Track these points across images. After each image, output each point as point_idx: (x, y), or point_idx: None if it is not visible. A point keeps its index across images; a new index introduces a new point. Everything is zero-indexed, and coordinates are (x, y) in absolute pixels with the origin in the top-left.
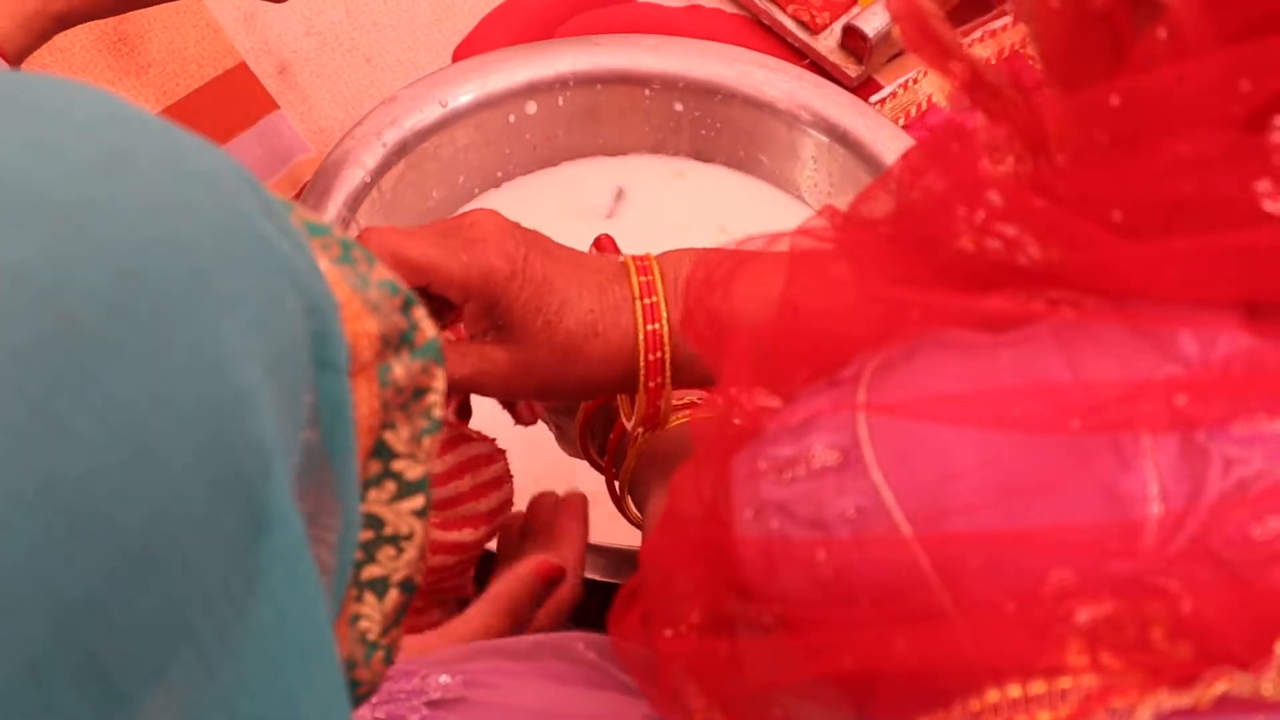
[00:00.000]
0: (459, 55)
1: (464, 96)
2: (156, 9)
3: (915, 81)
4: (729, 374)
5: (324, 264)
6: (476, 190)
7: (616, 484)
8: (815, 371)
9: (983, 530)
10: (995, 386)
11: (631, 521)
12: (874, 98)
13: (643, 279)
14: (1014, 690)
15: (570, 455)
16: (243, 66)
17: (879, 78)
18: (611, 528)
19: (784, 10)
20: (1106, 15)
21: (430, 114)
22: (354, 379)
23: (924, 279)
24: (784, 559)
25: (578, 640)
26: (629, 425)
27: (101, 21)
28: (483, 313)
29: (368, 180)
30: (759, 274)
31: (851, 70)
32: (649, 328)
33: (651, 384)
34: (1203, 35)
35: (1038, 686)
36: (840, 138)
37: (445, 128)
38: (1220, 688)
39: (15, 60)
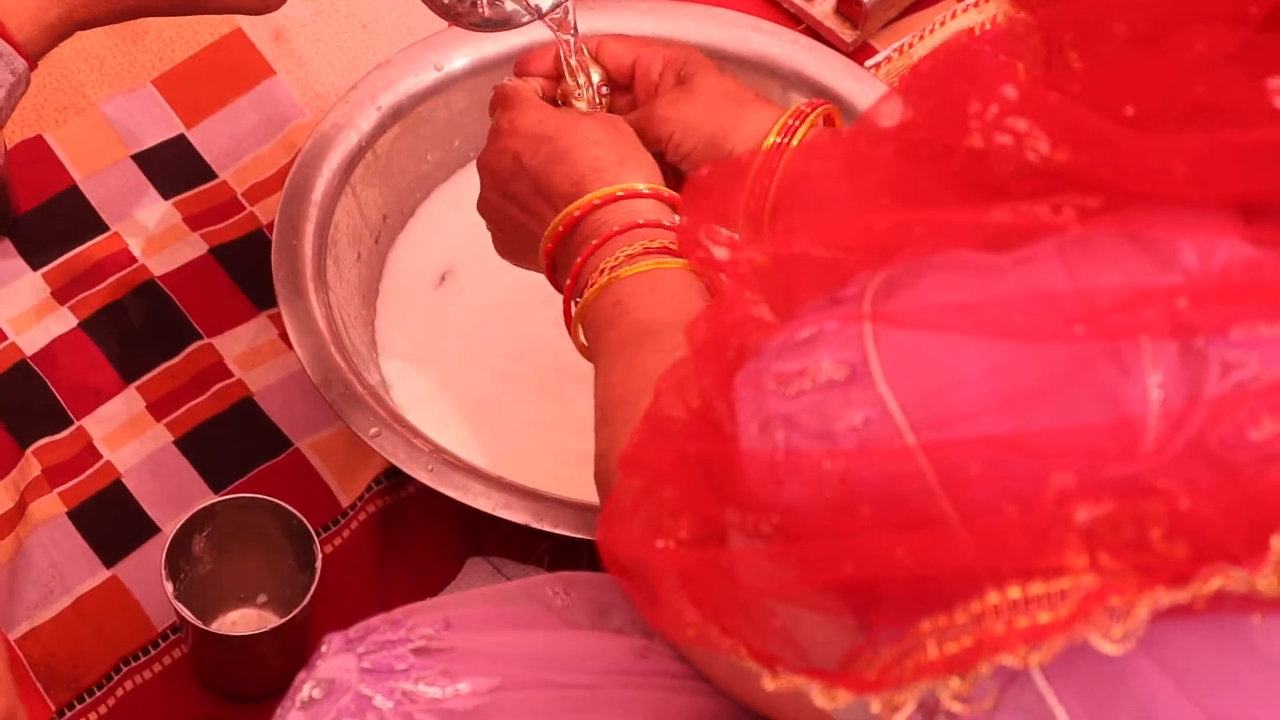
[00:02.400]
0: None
1: (459, 60)
2: None
3: (910, 46)
4: (727, 291)
5: None
6: (471, 154)
7: (574, 310)
8: (816, 287)
9: (984, 435)
10: (999, 296)
11: (579, 348)
12: (869, 62)
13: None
14: (1014, 592)
15: (509, 262)
16: (239, 33)
17: (874, 43)
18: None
19: None
20: None
21: (425, 78)
22: None
23: (928, 194)
24: (789, 470)
25: (546, 585)
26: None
27: None
28: None
29: (362, 144)
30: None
31: (847, 35)
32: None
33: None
34: None
35: (1037, 588)
36: (835, 101)
37: (440, 92)
38: (1216, 584)
39: (34, 61)
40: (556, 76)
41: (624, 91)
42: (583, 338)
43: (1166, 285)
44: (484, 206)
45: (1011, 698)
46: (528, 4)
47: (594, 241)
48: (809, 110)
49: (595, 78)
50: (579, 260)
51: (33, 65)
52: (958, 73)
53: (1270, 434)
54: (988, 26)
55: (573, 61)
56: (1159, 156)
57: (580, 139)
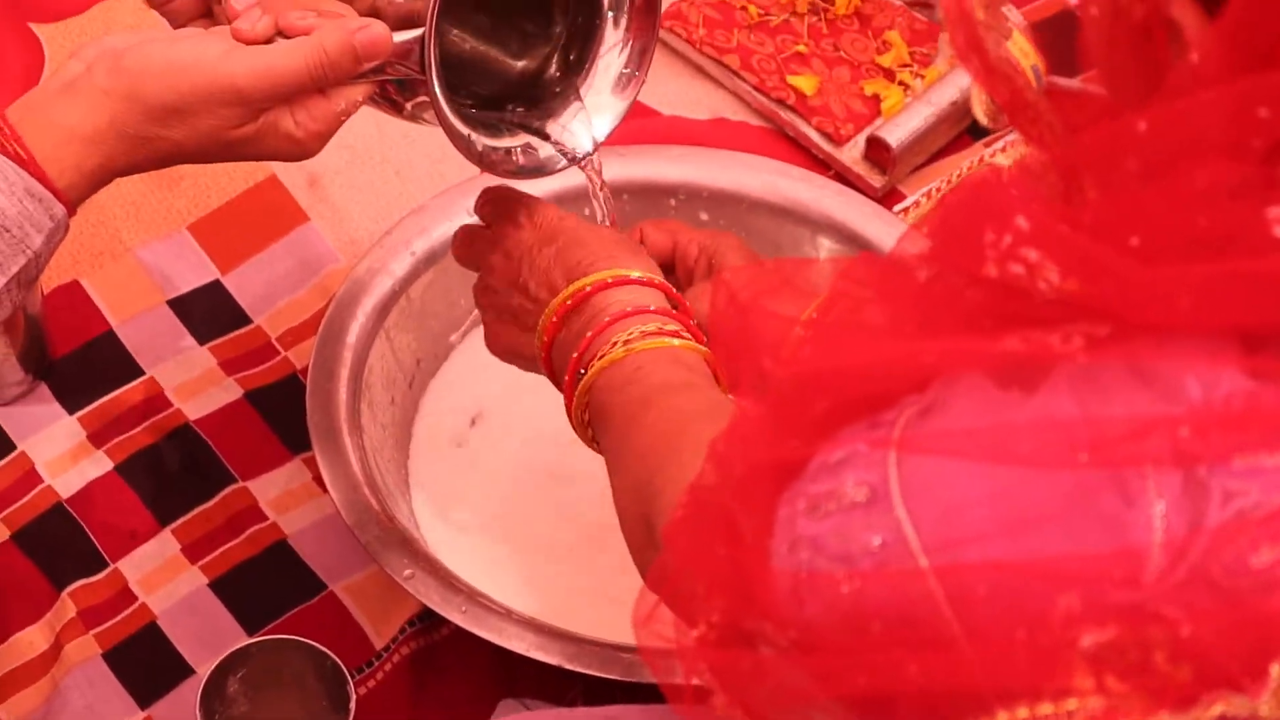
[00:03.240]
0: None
1: None
2: None
3: (938, 191)
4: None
5: None
6: None
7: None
8: (834, 408)
9: (992, 559)
10: (1007, 422)
11: (584, 439)
12: (897, 207)
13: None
14: (1022, 712)
15: (499, 357)
16: (273, 179)
17: (903, 188)
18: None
19: (808, 122)
20: (1147, 33)
21: (458, 223)
22: None
23: (947, 323)
24: (810, 589)
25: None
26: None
27: None
28: None
29: (396, 288)
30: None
31: (876, 181)
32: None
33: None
34: (1223, 65)
35: (1045, 708)
36: (864, 246)
37: None
38: (1218, 709)
39: (73, 207)
40: None
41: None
42: (585, 415)
43: (1170, 415)
44: (485, 295)
45: None
46: (565, 149)
47: (606, 319)
48: None
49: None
50: (590, 334)
51: (71, 211)
52: (977, 204)
53: (1270, 561)
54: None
55: (601, 215)
56: (1164, 287)
57: (596, 233)
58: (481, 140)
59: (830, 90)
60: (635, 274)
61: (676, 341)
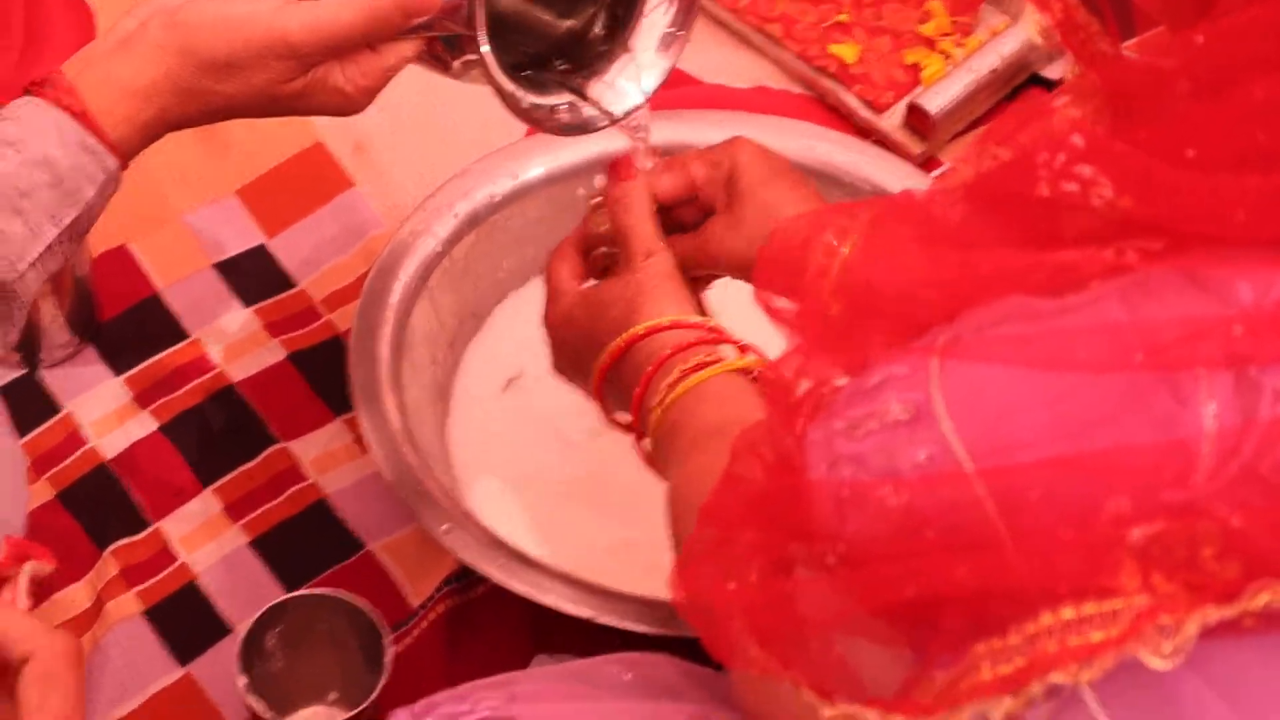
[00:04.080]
0: (531, 133)
1: (535, 170)
2: None
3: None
4: (799, 336)
5: None
6: (543, 263)
7: (646, 443)
8: (887, 338)
9: (1041, 460)
10: (1057, 328)
11: (657, 472)
12: (935, 173)
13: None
14: (1067, 612)
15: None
16: (320, 146)
17: (941, 156)
18: (647, 580)
19: (849, 90)
20: None
21: (502, 186)
22: None
23: (994, 240)
24: (854, 503)
25: (609, 664)
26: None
27: None
28: None
29: (439, 250)
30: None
31: (915, 148)
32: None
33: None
34: None
35: (1090, 608)
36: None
37: (516, 200)
38: (1264, 599)
39: (126, 159)
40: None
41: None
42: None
43: (1223, 317)
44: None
45: (1064, 717)
46: (605, 110)
47: (648, 369)
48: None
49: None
50: (638, 390)
51: (124, 165)
52: (1027, 126)
53: None
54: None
55: (648, 164)
56: (1220, 199)
57: (611, 301)
58: (528, 97)
59: (871, 59)
60: (667, 319)
61: (711, 373)
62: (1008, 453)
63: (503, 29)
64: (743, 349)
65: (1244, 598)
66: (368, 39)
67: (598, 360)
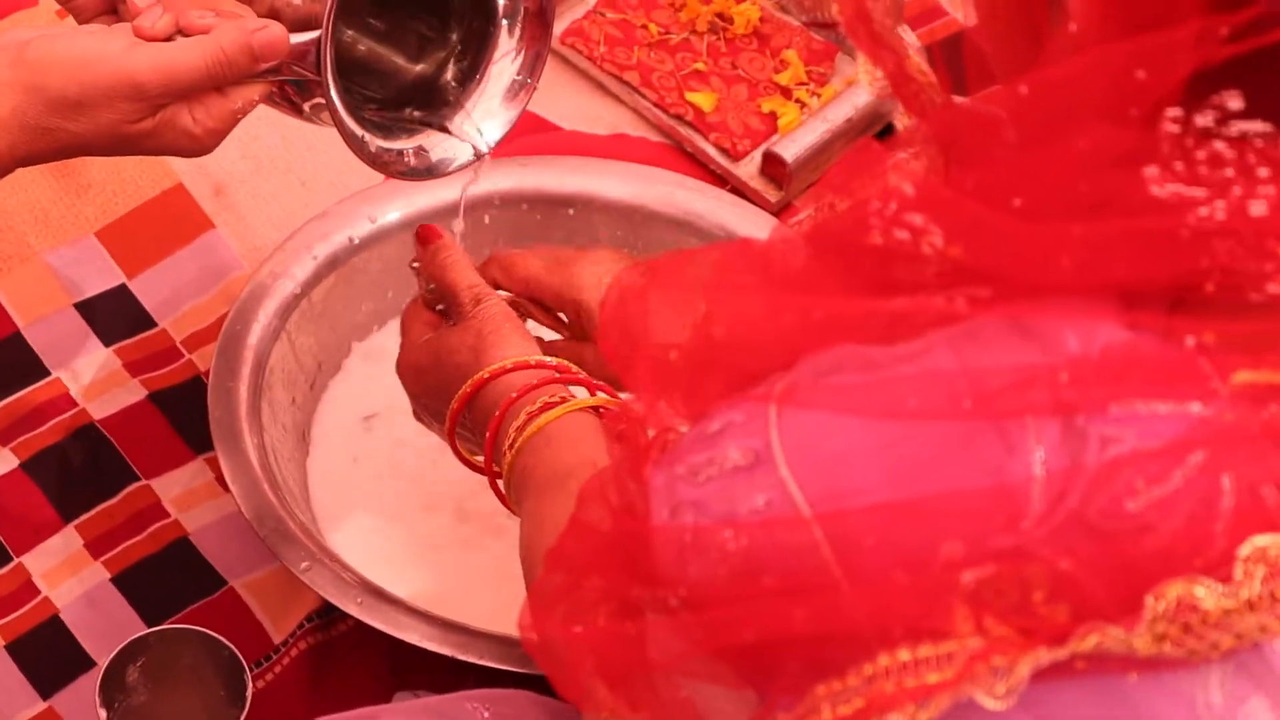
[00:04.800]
0: (389, 178)
1: (393, 213)
2: None
3: (831, 206)
4: (642, 389)
5: None
6: (404, 304)
7: (501, 484)
8: (727, 386)
9: (875, 505)
10: (888, 377)
11: (516, 513)
12: (792, 220)
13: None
14: (903, 654)
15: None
16: (180, 187)
17: (797, 203)
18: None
19: (705, 138)
20: (1027, 3)
21: (360, 229)
22: None
23: (831, 288)
24: (695, 546)
25: (468, 701)
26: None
27: None
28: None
29: (298, 291)
30: (672, 291)
31: (772, 196)
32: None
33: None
34: (1102, 30)
35: (925, 650)
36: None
37: (374, 243)
38: (1093, 641)
39: None
40: None
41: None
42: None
43: (1049, 366)
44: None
45: None
46: (450, 155)
47: (495, 414)
48: None
49: None
50: (489, 434)
51: None
52: (861, 174)
53: (1144, 504)
54: None
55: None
56: (1046, 247)
57: (452, 349)
58: (375, 141)
59: (728, 107)
60: (510, 361)
61: (559, 413)
62: (844, 498)
63: (352, 73)
64: (591, 386)
65: (1074, 640)
66: (215, 82)
67: (448, 407)
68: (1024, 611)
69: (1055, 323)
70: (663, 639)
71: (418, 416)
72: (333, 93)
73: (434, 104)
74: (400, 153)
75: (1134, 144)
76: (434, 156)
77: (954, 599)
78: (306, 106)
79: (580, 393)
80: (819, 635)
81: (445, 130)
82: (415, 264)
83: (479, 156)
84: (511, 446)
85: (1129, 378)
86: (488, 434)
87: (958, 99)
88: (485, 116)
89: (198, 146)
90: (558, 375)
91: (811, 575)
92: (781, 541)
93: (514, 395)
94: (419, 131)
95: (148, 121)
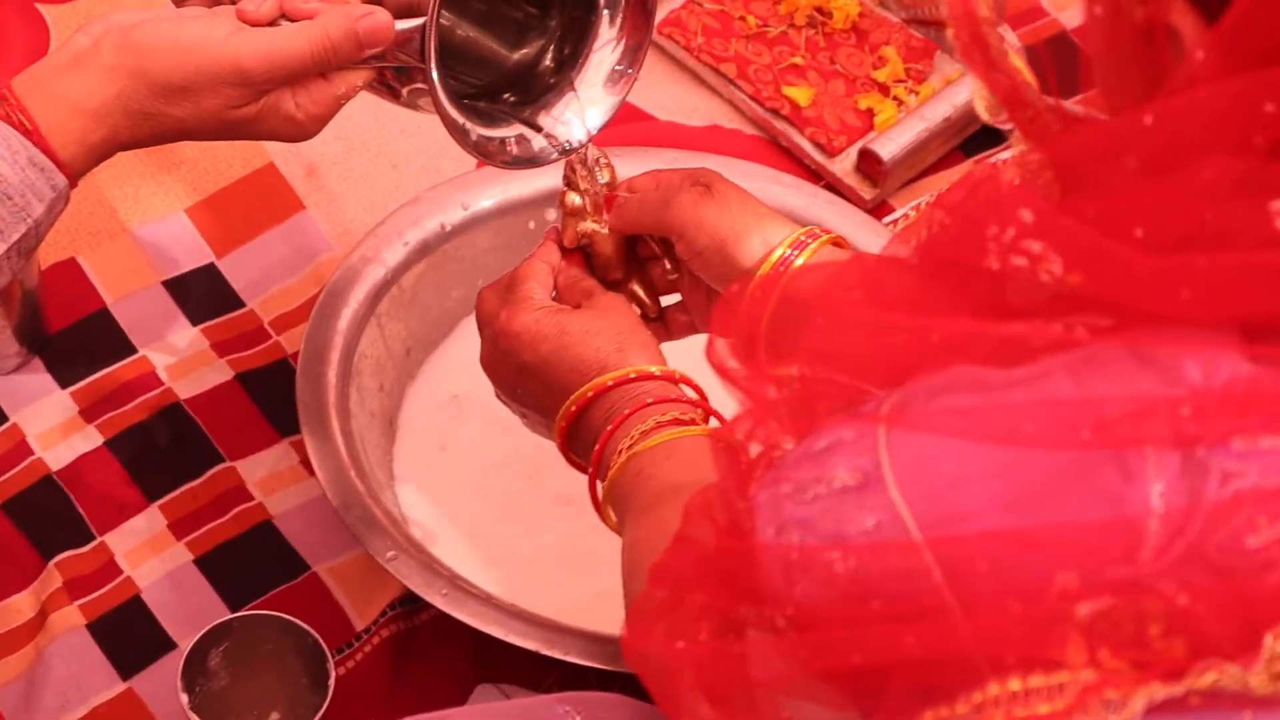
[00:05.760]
0: (482, 165)
1: (485, 201)
2: None
3: (928, 204)
4: (752, 403)
5: None
6: None
7: (600, 492)
8: (834, 403)
9: (990, 532)
10: (1005, 402)
11: (610, 527)
12: (887, 219)
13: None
14: (1014, 683)
15: (536, 434)
16: (271, 167)
17: (893, 201)
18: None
19: (801, 133)
20: (1148, 35)
21: (452, 216)
22: None
23: (943, 309)
24: (803, 567)
25: (555, 704)
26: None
27: None
28: None
29: (389, 277)
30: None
31: (866, 193)
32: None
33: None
34: (1226, 62)
35: (1037, 680)
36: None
37: (466, 230)
38: (1210, 679)
39: (75, 179)
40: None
41: None
42: (613, 517)
43: (1171, 397)
44: (503, 394)
45: None
46: (556, 141)
47: (609, 427)
48: (821, 233)
49: (604, 177)
50: (597, 447)
51: (73, 183)
52: (978, 198)
53: (1266, 541)
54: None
55: (587, 159)
56: (1167, 278)
57: (577, 333)
58: (476, 130)
59: (825, 102)
60: (632, 371)
61: (672, 434)
62: (955, 523)
63: (453, 59)
64: (707, 410)
65: (1190, 676)
66: (320, 68)
67: (562, 405)
68: (1139, 645)
69: (1177, 353)
70: (767, 658)
71: (505, 402)
72: (436, 79)
73: (532, 92)
74: (502, 141)
75: (1259, 176)
76: (535, 145)
77: (1068, 629)
78: (406, 92)
79: (697, 414)
80: (928, 660)
81: (536, 129)
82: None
83: (579, 145)
84: (623, 452)
85: (1252, 411)
86: (603, 436)
87: (1074, 121)
88: (586, 104)
89: (300, 132)
90: (678, 393)
91: (922, 600)
92: (891, 565)
93: (627, 412)
94: (517, 120)
95: (251, 107)
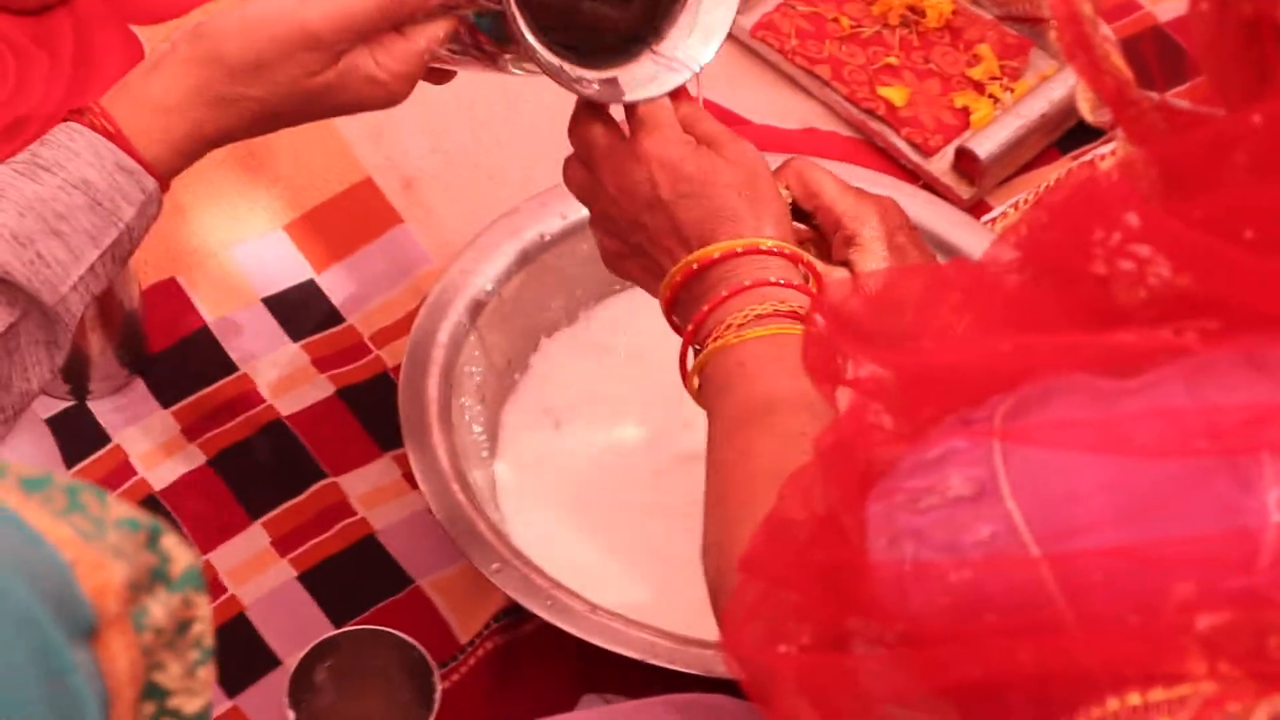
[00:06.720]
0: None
1: (583, 211)
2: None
3: (1026, 202)
4: (856, 406)
5: (46, 520)
6: (592, 303)
7: (691, 360)
8: (941, 408)
9: (1106, 546)
10: (1122, 413)
11: (690, 392)
12: (985, 218)
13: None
14: (1134, 698)
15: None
16: (369, 181)
17: (990, 199)
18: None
19: (897, 133)
20: (1255, 32)
21: (551, 226)
22: (105, 634)
23: (1050, 319)
24: (916, 580)
25: (661, 706)
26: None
27: None
28: None
29: (489, 289)
30: (884, 307)
31: (964, 192)
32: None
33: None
34: None
35: (1158, 694)
36: (953, 254)
37: (566, 239)
38: None
39: (164, 179)
40: None
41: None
42: (696, 384)
43: None
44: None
45: None
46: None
47: (723, 293)
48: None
49: None
50: (705, 308)
51: (164, 185)
52: (1081, 202)
53: None
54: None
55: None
56: (1278, 280)
57: (722, 184)
58: (576, 70)
59: (920, 102)
60: (765, 243)
61: (784, 328)
62: (1072, 535)
63: (540, 12)
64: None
65: None
66: (390, 20)
67: (685, 255)
68: (1260, 657)
69: None
70: (879, 671)
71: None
72: (515, 10)
73: (613, 48)
74: (601, 81)
75: None
76: (641, 74)
77: (1187, 642)
78: (490, 47)
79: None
80: (1045, 675)
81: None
82: None
83: (698, 67)
84: (731, 327)
85: None
86: (714, 299)
87: (1180, 119)
88: (695, 39)
89: (387, 94)
90: (800, 281)
91: (1038, 613)
92: (1006, 578)
93: (748, 284)
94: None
95: (330, 72)
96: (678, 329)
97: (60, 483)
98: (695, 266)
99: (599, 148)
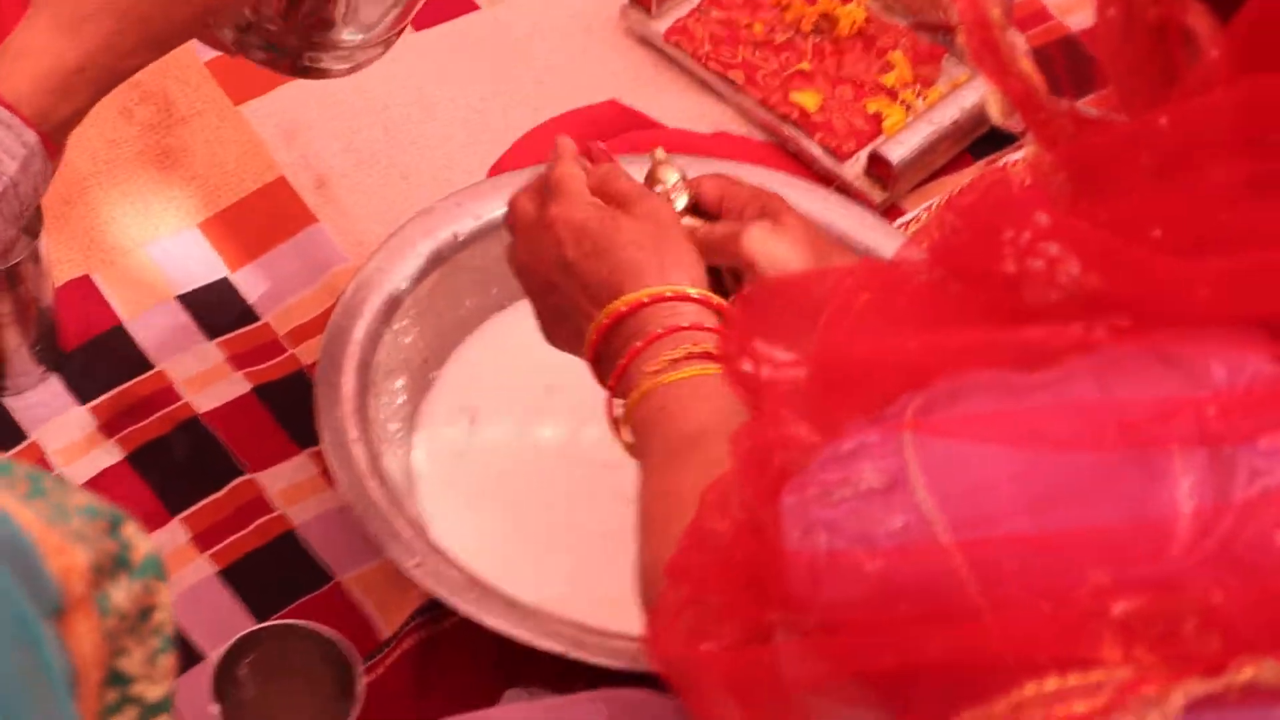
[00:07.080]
0: (493, 174)
1: (497, 210)
2: (198, 125)
3: (938, 206)
4: (770, 410)
5: (12, 503)
6: (506, 302)
7: (618, 410)
8: (856, 407)
9: (1018, 534)
10: (1032, 407)
11: (625, 447)
12: (898, 221)
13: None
14: (1051, 683)
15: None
16: (282, 180)
17: (903, 204)
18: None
19: (811, 138)
20: (1161, 35)
21: (464, 226)
22: (70, 615)
23: (960, 317)
24: (830, 570)
25: (586, 702)
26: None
27: (146, 137)
28: None
29: (404, 287)
30: (795, 310)
31: (876, 196)
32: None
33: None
34: (1237, 66)
35: (1074, 679)
36: (865, 254)
37: (479, 239)
38: (1248, 674)
39: (54, 135)
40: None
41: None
42: (627, 437)
43: (1196, 397)
44: (531, 295)
45: None
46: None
47: (637, 343)
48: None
49: (673, 178)
50: (622, 361)
51: (48, 140)
52: (992, 203)
53: None
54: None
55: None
56: (1185, 278)
57: (625, 239)
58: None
59: (833, 108)
60: (669, 290)
61: (700, 369)
62: (983, 525)
63: None
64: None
65: (1230, 671)
66: None
67: (600, 309)
68: (1174, 641)
69: (1201, 353)
70: (797, 661)
71: (531, 296)
72: None
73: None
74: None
75: (1275, 175)
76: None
77: (1102, 627)
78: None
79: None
80: (960, 662)
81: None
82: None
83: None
84: (648, 375)
85: (1278, 410)
86: (630, 352)
87: (1088, 123)
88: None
89: None
90: (714, 322)
91: (951, 601)
92: (919, 566)
93: (659, 332)
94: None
95: None
96: (603, 384)
97: (22, 470)
98: (605, 321)
99: (519, 220)
